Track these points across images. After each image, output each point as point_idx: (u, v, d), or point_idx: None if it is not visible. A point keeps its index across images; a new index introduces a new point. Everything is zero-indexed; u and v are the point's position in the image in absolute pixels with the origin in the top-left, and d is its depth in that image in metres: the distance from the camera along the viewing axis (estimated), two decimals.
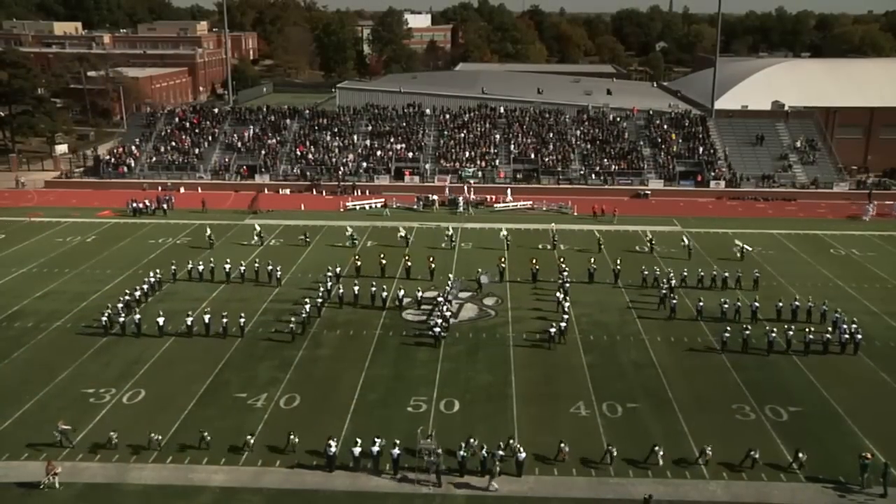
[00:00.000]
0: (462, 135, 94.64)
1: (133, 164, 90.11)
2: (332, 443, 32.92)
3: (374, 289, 51.60)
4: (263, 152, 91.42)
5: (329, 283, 53.30)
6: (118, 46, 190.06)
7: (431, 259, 58.72)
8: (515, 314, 50.18)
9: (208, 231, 65.87)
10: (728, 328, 45.80)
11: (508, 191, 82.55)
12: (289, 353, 43.88)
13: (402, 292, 52.27)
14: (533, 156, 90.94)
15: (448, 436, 34.16)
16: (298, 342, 45.27)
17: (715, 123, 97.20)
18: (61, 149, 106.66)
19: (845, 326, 45.49)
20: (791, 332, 45.20)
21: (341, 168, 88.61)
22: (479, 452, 32.62)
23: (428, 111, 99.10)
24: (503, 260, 58.77)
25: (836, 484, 32.13)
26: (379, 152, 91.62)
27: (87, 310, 50.05)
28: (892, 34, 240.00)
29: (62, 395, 38.76)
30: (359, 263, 57.87)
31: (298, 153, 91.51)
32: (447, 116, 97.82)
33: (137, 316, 47.00)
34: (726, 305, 49.70)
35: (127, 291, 51.41)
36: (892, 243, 67.60)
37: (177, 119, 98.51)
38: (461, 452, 32.40)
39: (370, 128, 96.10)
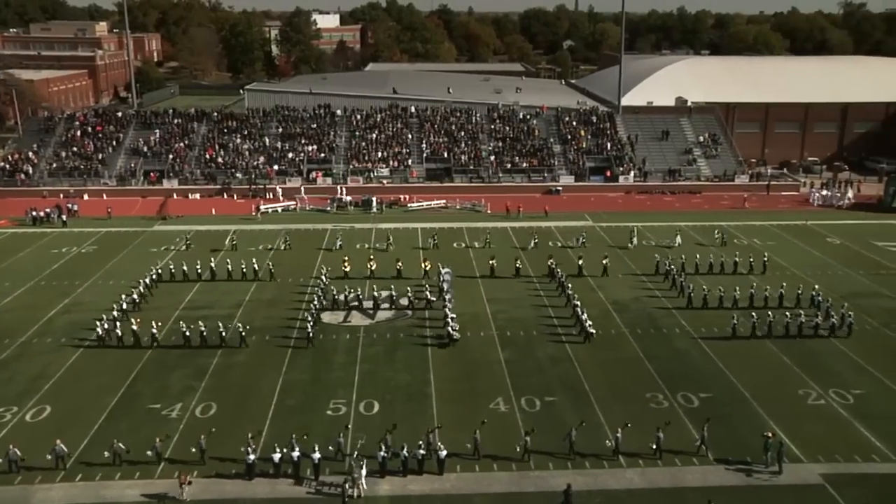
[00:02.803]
0: (374, 135, 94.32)
1: (31, 171, 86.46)
2: (250, 450, 32.39)
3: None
4: (171, 156, 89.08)
5: (323, 288, 52.59)
6: (8, 47, 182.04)
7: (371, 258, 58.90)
8: (432, 313, 50.28)
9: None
10: (735, 315, 47.79)
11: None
12: (203, 361, 42.89)
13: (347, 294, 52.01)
14: (445, 154, 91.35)
15: (368, 437, 34.03)
16: (213, 350, 44.27)
17: (622, 119, 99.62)
18: None
19: (829, 309, 48.21)
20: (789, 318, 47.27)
21: (252, 171, 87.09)
22: (401, 452, 32.61)
23: (339, 112, 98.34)
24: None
25: (744, 464, 33.39)
26: (290, 154, 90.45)
27: None
28: (781, 34, 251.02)
29: None
30: (347, 269, 57.16)
31: (208, 157, 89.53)
32: (358, 117, 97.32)
33: (134, 326, 45.53)
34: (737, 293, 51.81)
35: (124, 295, 50.44)
36: (790, 232, 70.62)
37: (77, 123, 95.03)
38: (381, 453, 32.32)
39: (281, 130, 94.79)
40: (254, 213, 75.66)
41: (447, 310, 48.31)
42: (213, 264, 57.14)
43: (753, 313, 47.89)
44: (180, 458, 33.27)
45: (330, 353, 44.23)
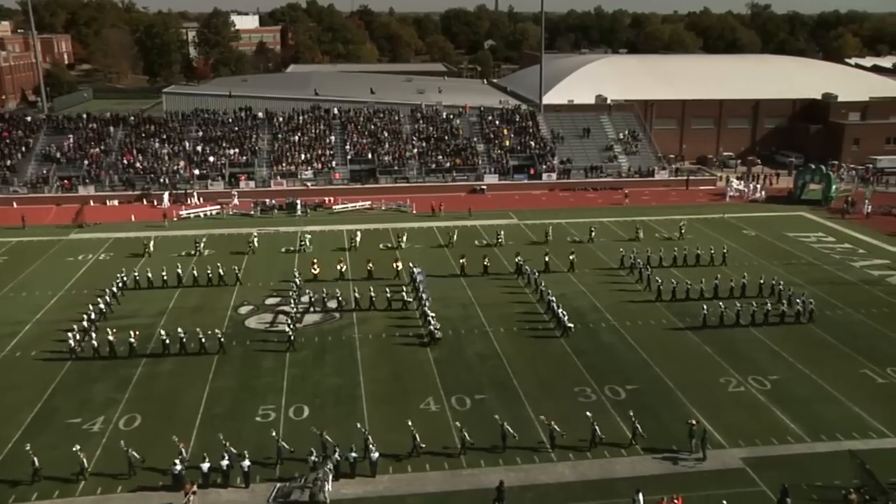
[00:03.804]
0: (297, 137, 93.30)
1: None
2: (178, 461, 31.68)
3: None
4: (86, 162, 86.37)
5: (297, 291, 52.26)
6: None
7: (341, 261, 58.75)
8: (360, 315, 50.06)
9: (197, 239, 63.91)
10: (705, 306, 49.07)
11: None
12: (126, 372, 41.71)
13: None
14: (370, 156, 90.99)
15: (299, 442, 33.70)
16: (136, 360, 43.11)
17: (544, 118, 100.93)
18: None
19: (799, 301, 49.75)
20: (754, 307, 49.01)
21: (172, 176, 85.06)
22: (332, 456, 32.37)
23: (260, 114, 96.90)
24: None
25: (671, 452, 34.24)
26: (212, 158, 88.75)
27: None
28: (694, 33, 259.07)
29: None
30: (315, 271, 57.06)
31: (125, 162, 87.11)
32: (280, 119, 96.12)
33: (111, 337, 44.04)
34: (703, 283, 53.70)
35: (90, 306, 48.69)
36: (707, 225, 72.72)
37: None
38: (312, 458, 32.03)
39: (201, 133, 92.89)
40: (164, 220, 73.76)
41: (426, 309, 48.46)
42: (179, 271, 56.11)
43: (721, 303, 49.66)
44: (104, 473, 32.30)
45: (258, 359, 43.60)
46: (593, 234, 67.54)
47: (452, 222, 72.44)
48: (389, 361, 43.39)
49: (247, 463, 31.69)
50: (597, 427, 34.43)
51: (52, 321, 48.88)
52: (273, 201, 79.05)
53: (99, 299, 50.29)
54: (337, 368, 42.48)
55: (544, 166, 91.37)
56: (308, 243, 64.93)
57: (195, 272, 55.95)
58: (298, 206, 77.49)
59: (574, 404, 38.38)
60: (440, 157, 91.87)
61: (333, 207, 79.71)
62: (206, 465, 31.63)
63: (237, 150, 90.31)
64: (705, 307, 49.07)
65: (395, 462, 33.33)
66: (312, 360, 43.57)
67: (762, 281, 54.21)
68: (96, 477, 32.14)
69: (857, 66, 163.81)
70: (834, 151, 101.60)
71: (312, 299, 51.45)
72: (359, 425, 34.74)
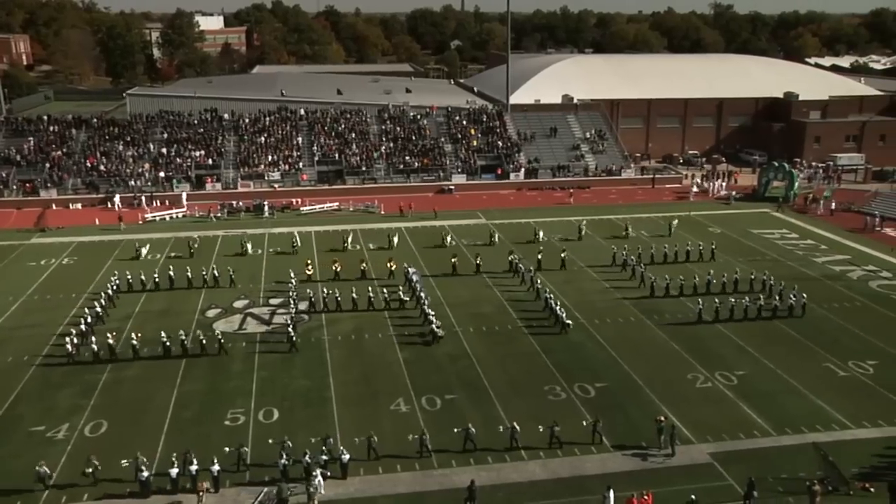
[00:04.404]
0: (263, 139, 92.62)
1: None
2: (144, 467, 31.30)
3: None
4: (48, 165, 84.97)
5: (294, 293, 51.91)
6: None
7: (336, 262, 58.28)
8: (329, 316, 49.86)
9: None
10: (700, 301, 50.01)
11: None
12: (91, 378, 41.12)
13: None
14: (337, 156, 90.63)
15: (270, 446, 33.50)
16: (102, 366, 42.51)
17: (511, 118, 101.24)
18: None
19: (792, 296, 50.67)
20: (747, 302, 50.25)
21: (137, 179, 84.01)
22: (303, 459, 32.18)
23: (226, 116, 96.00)
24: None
25: (639, 449, 34.57)
26: (178, 160, 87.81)
27: None
28: (659, 33, 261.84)
29: None
30: (309, 272, 56.88)
31: (89, 165, 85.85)
32: (246, 121, 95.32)
33: (110, 340, 43.67)
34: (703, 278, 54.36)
35: (86, 309, 48.20)
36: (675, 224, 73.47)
37: None
38: (282, 461, 31.84)
39: (166, 135, 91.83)
40: (119, 224, 72.39)
41: (425, 307, 48.59)
42: (171, 272, 55.64)
43: (717, 299, 50.33)
44: (70, 481, 31.82)
45: (226, 362, 43.22)
46: (582, 232, 68.28)
47: (423, 223, 72.43)
48: (359, 363, 43.26)
49: (216, 468, 31.41)
50: (557, 428, 34.72)
51: (13, 327, 48.09)
52: (240, 203, 78.40)
53: (95, 303, 49.77)
54: (306, 370, 42.25)
55: (511, 166, 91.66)
56: (293, 244, 64.47)
57: (189, 273, 55.46)
58: (266, 208, 76.95)
59: (544, 403, 38.58)
60: (408, 157, 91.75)
61: (301, 209, 79.26)
62: (174, 471, 31.30)
63: (203, 152, 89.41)
64: (700, 302, 49.84)
65: (365, 463, 33.24)
66: (281, 362, 43.30)
67: (753, 276, 54.95)
68: (61, 486, 31.66)
69: (817, 65, 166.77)
70: (796, 149, 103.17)
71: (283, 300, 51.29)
72: (330, 438, 34.38)
